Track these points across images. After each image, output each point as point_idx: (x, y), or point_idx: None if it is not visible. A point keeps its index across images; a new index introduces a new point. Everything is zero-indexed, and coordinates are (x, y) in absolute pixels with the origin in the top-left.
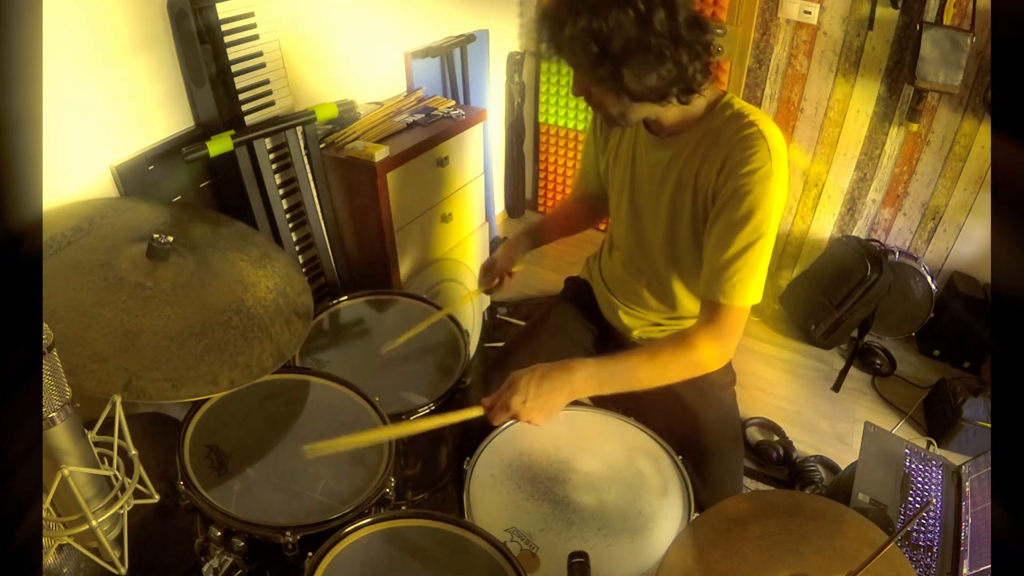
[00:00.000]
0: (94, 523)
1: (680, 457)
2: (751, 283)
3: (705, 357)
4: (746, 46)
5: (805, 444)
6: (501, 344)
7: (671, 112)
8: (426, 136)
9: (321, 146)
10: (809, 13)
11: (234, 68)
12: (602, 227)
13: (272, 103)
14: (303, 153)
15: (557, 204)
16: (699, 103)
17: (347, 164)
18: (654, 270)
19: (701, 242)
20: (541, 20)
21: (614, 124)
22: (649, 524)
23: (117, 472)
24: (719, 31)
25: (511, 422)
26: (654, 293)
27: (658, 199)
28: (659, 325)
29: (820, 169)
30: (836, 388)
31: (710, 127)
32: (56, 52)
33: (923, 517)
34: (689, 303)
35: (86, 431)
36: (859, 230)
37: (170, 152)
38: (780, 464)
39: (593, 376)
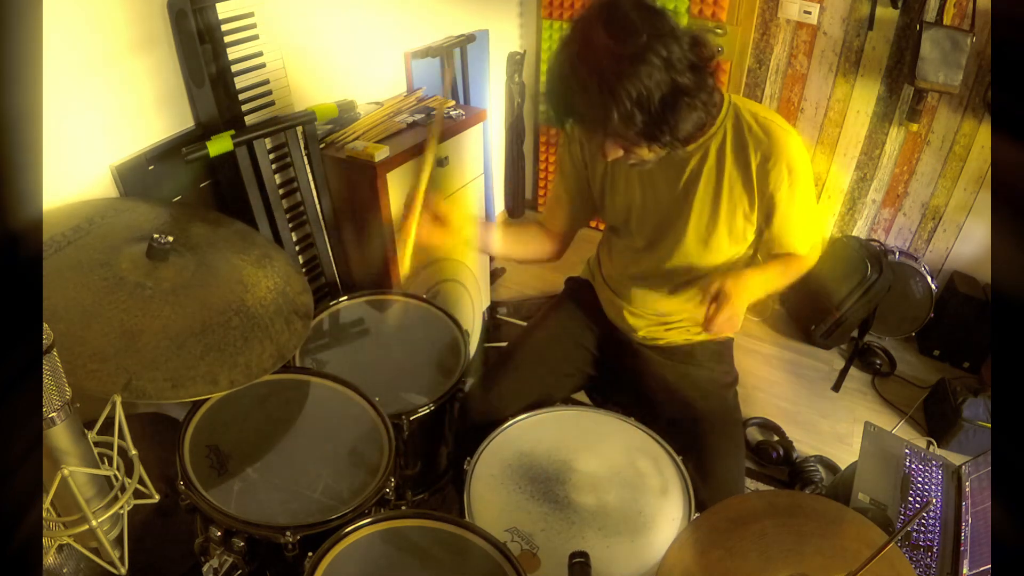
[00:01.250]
0: (94, 523)
1: (680, 457)
2: (819, 234)
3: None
4: (746, 46)
5: (805, 444)
6: (501, 344)
7: None
8: (426, 136)
9: (321, 146)
10: (809, 13)
11: (234, 68)
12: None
13: (272, 103)
14: (303, 153)
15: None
16: None
17: (347, 164)
18: (664, 272)
19: (738, 230)
20: (571, 113)
21: (644, 166)
22: (649, 524)
23: (117, 472)
24: (719, 31)
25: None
26: (661, 294)
27: (684, 202)
28: (664, 324)
29: (820, 169)
30: (836, 388)
31: (726, 124)
32: (56, 52)
33: (923, 517)
34: (694, 306)
35: (86, 431)
36: (859, 230)
37: (170, 152)
38: (780, 464)
39: (755, 280)
